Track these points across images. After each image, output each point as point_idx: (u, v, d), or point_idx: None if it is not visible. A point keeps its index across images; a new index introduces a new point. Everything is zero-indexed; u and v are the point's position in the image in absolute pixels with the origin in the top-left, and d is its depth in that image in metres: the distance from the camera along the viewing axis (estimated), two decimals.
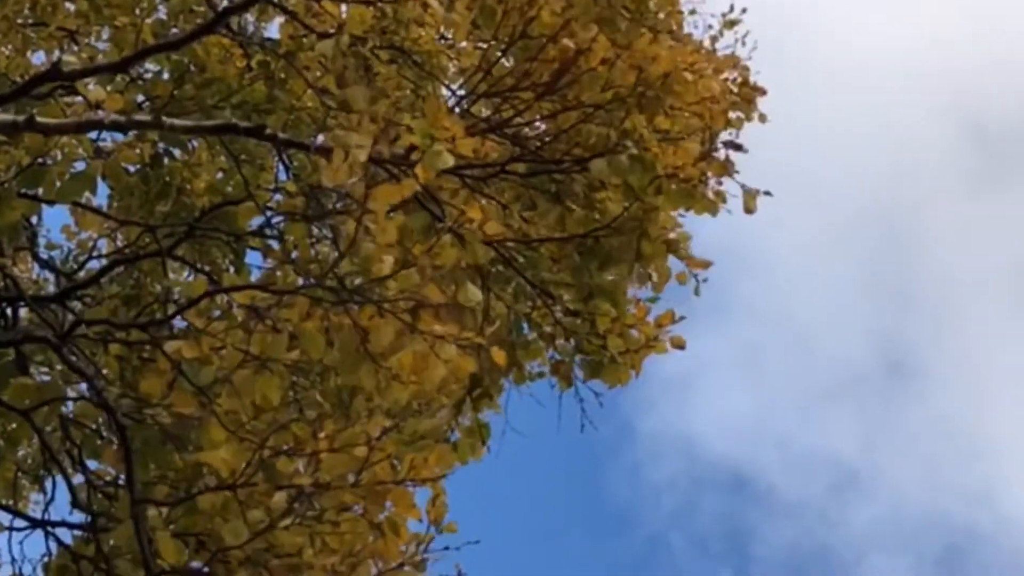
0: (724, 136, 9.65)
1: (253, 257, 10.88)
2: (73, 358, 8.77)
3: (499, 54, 9.56)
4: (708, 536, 30.50)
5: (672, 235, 9.43)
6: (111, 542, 7.96)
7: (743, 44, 10.33)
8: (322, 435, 7.21)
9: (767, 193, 9.56)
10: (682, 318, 9.52)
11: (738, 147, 9.65)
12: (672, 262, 9.54)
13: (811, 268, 31.46)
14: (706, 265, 9.51)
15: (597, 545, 28.40)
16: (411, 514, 7.21)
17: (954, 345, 32.29)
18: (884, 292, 32.46)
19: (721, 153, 9.54)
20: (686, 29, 10.32)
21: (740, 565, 30.02)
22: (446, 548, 7.34)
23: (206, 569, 7.33)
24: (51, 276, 11.50)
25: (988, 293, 32.46)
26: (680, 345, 9.50)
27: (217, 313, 7.94)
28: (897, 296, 32.23)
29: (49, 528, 8.76)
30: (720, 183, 9.35)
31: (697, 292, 9.53)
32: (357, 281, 7.30)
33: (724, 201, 9.37)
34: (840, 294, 32.92)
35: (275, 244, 10.18)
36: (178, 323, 8.53)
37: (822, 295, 32.30)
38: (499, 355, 7.73)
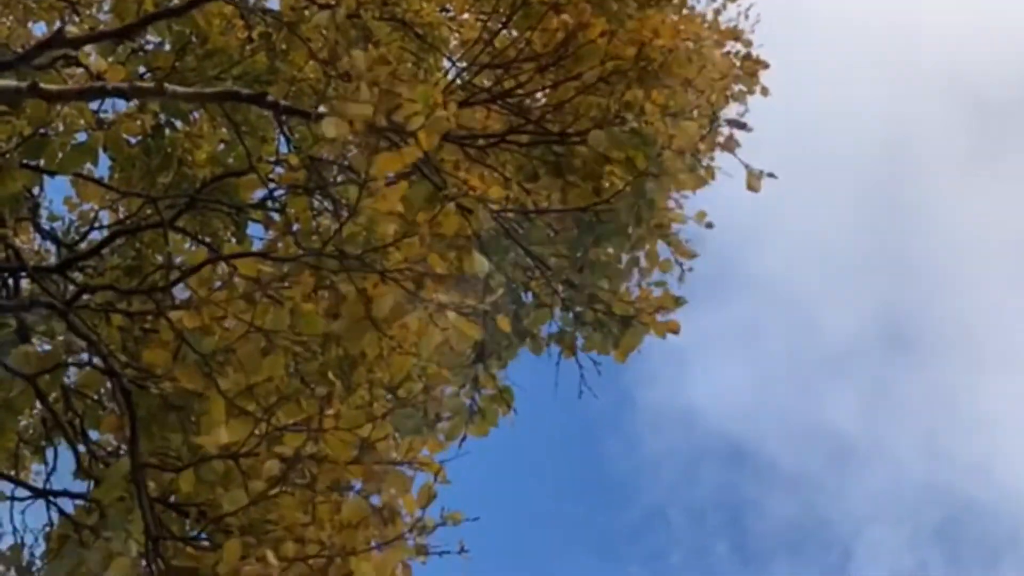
0: (729, 112, 9.65)
1: (255, 229, 10.90)
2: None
3: (500, 26, 9.54)
4: (706, 508, 30.51)
5: (664, 219, 9.44)
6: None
7: (746, 17, 10.32)
8: (330, 412, 7.19)
9: (771, 175, 9.55)
10: (684, 302, 9.54)
11: (742, 126, 9.64)
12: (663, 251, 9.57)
13: (811, 240, 31.38)
14: (692, 256, 9.54)
15: (595, 516, 28.42)
16: (406, 499, 7.22)
17: (953, 317, 32.28)
18: (883, 264, 32.44)
19: (724, 131, 9.54)
20: (689, 2, 10.30)
21: (738, 537, 30.07)
22: (442, 523, 7.36)
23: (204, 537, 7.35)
24: (53, 247, 11.49)
25: (987, 265, 32.40)
26: (674, 330, 9.51)
27: (219, 284, 7.93)
28: (896, 268, 32.20)
29: (51, 498, 8.78)
30: (712, 159, 9.35)
31: (682, 279, 9.56)
32: (359, 252, 7.28)
33: (713, 177, 9.36)
34: (840, 266, 32.84)
35: (276, 216, 10.18)
36: (181, 296, 8.53)
37: (822, 267, 32.23)
38: (503, 322, 7.74)
